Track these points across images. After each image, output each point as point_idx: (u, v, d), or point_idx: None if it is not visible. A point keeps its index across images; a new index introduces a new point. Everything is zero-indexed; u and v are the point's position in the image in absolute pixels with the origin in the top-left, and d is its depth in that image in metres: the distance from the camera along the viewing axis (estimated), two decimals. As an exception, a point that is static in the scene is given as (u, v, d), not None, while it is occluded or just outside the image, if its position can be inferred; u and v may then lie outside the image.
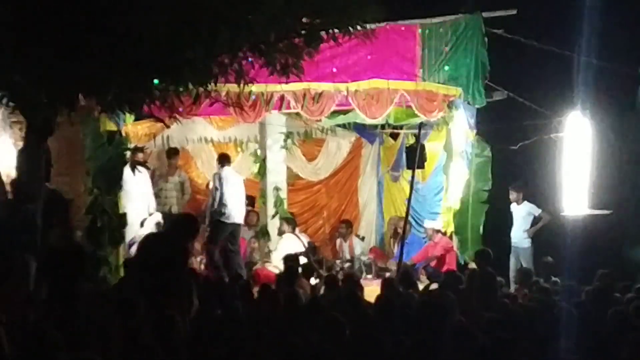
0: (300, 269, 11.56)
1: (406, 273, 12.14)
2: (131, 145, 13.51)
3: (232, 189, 13.55)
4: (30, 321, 7.40)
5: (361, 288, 10.61)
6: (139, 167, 13.60)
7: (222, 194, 13.39)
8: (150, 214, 14.10)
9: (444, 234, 14.90)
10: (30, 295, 8.59)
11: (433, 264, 14.49)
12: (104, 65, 8.15)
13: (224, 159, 13.93)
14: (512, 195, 14.74)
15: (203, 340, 7.36)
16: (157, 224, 13.91)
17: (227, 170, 13.69)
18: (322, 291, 11.50)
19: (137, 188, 13.76)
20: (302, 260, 13.52)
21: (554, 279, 11.63)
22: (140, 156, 13.75)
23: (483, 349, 7.05)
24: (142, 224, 13.74)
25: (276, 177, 15.85)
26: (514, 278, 14.34)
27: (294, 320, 8.23)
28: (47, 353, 5.72)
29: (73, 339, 6.43)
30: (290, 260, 12.14)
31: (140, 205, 13.96)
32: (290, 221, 15.20)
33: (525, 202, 14.66)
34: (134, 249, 13.31)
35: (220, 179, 13.49)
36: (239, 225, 13.78)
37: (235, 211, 13.59)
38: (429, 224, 15.10)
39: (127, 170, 12.97)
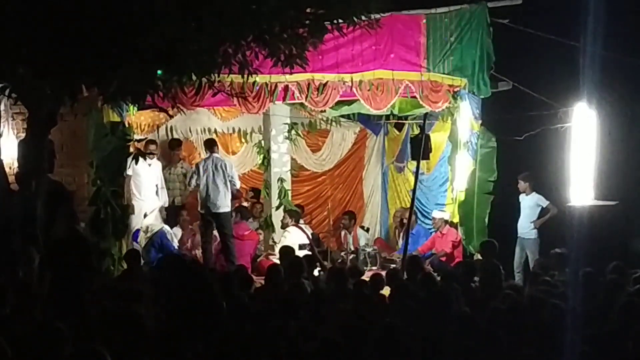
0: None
1: (414, 258, 12.16)
2: (137, 137, 13.54)
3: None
4: (34, 313, 7.39)
5: (382, 281, 10.59)
6: (150, 159, 13.66)
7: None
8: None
9: (452, 224, 14.83)
10: (34, 286, 8.57)
11: (442, 259, 14.42)
12: (107, 56, 8.12)
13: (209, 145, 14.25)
14: (521, 185, 14.69)
15: (209, 331, 7.34)
16: (160, 211, 13.96)
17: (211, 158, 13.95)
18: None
19: (149, 180, 13.87)
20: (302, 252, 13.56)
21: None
22: (152, 147, 13.90)
23: (487, 339, 7.03)
24: (145, 215, 13.78)
25: (280, 168, 15.80)
26: (518, 269, 14.37)
27: (299, 311, 8.22)
28: (52, 345, 5.67)
29: (78, 331, 6.40)
30: (287, 252, 12.10)
31: (149, 198, 14.04)
32: (294, 213, 15.15)
33: (534, 193, 14.62)
34: (139, 240, 13.42)
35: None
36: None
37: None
38: (438, 214, 15.00)
39: (140, 161, 12.87)
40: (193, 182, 13.81)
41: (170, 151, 15.59)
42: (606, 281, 9.73)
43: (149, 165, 13.97)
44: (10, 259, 8.78)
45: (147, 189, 14.13)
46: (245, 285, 9.91)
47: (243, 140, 16.83)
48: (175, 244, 14.10)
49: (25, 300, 7.70)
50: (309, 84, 13.30)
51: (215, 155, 14.02)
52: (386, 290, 10.18)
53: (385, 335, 7.09)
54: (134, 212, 13.63)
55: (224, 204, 13.80)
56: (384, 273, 11.49)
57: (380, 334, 7.11)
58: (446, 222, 14.80)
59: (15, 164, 10.74)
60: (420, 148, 13.50)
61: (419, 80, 13.99)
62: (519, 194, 14.83)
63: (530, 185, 14.66)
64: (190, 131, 16.26)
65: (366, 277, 11.35)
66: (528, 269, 13.82)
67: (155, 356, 6.33)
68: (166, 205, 14.48)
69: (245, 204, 16.08)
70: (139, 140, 13.88)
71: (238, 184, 14.24)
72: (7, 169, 10.00)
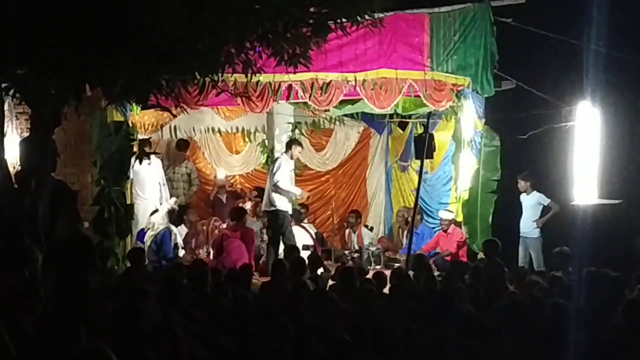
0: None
1: (419, 257, 12.19)
2: (139, 136, 13.54)
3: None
4: (37, 312, 7.39)
5: (384, 279, 10.60)
6: (151, 157, 13.64)
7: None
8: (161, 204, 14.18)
9: (457, 224, 14.81)
10: (38, 285, 8.58)
11: (447, 258, 14.38)
12: (111, 56, 8.12)
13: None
14: (521, 184, 14.69)
15: (215, 329, 7.36)
16: (171, 211, 13.93)
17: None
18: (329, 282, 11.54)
19: (150, 179, 13.85)
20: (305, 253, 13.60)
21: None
22: (147, 148, 13.77)
23: (492, 338, 7.04)
24: (151, 214, 13.77)
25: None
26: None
27: (301, 309, 8.22)
28: (65, 343, 5.63)
29: (81, 329, 6.40)
30: (291, 252, 12.11)
31: (153, 196, 14.03)
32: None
33: (535, 191, 14.61)
34: (145, 238, 13.41)
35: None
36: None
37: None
38: (445, 214, 14.89)
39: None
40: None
41: (178, 151, 15.61)
42: (609, 280, 9.72)
43: (149, 163, 13.95)
44: (14, 258, 8.78)
45: (150, 187, 14.13)
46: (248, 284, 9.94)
47: (247, 139, 16.86)
48: (180, 243, 14.12)
49: (29, 300, 7.70)
50: (312, 83, 13.30)
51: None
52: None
53: (389, 334, 7.11)
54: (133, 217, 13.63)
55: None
56: (388, 272, 11.49)
57: (383, 333, 7.13)
58: (452, 222, 14.78)
59: (19, 164, 10.76)
60: (424, 147, 13.49)
61: (422, 79, 13.95)
62: (521, 193, 14.82)
63: (531, 185, 14.65)
64: (194, 130, 16.30)
65: (369, 276, 11.36)
66: (532, 268, 13.84)
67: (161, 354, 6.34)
68: (169, 200, 14.43)
69: (249, 203, 16.08)
70: (142, 140, 13.86)
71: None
72: (10, 169, 10.02)
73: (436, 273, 12.79)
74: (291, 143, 14.28)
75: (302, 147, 14.57)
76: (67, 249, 9.21)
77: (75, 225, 9.75)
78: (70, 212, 9.93)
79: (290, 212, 14.11)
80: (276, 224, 13.86)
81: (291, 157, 14.11)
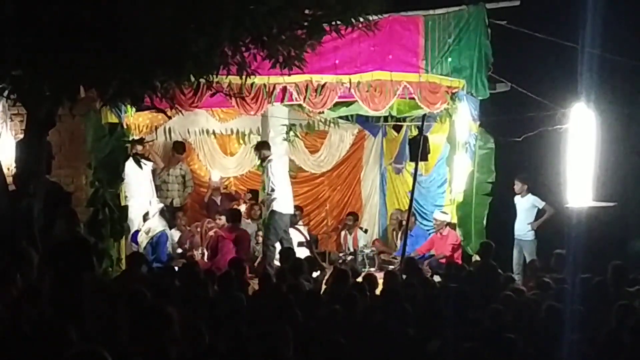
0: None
1: (410, 260, 12.19)
2: (133, 138, 13.52)
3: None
4: (34, 313, 7.39)
5: (376, 281, 10.61)
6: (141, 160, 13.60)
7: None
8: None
9: (452, 226, 14.81)
10: (34, 287, 8.57)
11: (442, 261, 14.36)
12: (105, 57, 8.12)
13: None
14: (517, 185, 14.67)
15: (209, 331, 7.35)
16: (161, 211, 13.91)
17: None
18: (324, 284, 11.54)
19: (139, 181, 13.80)
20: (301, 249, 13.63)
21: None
22: (140, 148, 13.70)
23: (486, 340, 7.05)
24: (144, 217, 13.76)
25: (278, 169, 15.79)
26: (517, 270, 14.35)
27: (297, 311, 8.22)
28: (56, 346, 5.64)
29: (78, 331, 6.40)
30: (287, 254, 12.11)
31: (142, 199, 14.00)
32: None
33: (529, 194, 14.62)
34: (139, 241, 13.40)
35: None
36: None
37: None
38: (440, 215, 14.93)
39: (129, 163, 12.89)
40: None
41: (175, 153, 15.59)
42: (603, 282, 9.74)
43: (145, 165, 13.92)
44: (11, 260, 8.77)
45: (143, 188, 14.09)
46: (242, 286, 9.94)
47: (241, 141, 16.84)
48: (175, 246, 14.11)
49: (26, 301, 7.70)
50: (307, 85, 13.29)
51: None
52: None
53: (385, 336, 7.11)
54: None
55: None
56: (382, 274, 11.49)
57: (380, 335, 7.13)
58: (447, 224, 14.78)
59: (14, 165, 10.74)
60: (418, 149, 13.50)
61: (417, 82, 13.98)
62: (515, 195, 14.81)
63: (526, 187, 14.65)
64: (189, 132, 16.29)
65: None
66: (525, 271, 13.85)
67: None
68: (154, 201, 14.39)
69: (243, 205, 16.07)
70: (135, 141, 13.82)
71: None
72: (5, 170, 10.00)
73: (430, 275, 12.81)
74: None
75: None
76: (65, 250, 9.20)
77: (73, 227, 9.73)
78: (68, 213, 9.92)
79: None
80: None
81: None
